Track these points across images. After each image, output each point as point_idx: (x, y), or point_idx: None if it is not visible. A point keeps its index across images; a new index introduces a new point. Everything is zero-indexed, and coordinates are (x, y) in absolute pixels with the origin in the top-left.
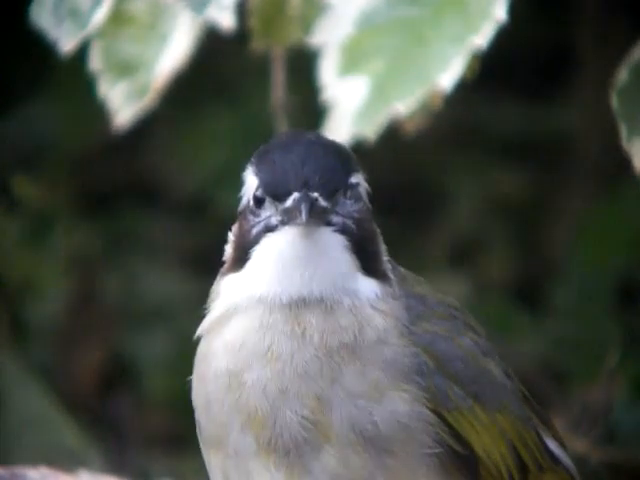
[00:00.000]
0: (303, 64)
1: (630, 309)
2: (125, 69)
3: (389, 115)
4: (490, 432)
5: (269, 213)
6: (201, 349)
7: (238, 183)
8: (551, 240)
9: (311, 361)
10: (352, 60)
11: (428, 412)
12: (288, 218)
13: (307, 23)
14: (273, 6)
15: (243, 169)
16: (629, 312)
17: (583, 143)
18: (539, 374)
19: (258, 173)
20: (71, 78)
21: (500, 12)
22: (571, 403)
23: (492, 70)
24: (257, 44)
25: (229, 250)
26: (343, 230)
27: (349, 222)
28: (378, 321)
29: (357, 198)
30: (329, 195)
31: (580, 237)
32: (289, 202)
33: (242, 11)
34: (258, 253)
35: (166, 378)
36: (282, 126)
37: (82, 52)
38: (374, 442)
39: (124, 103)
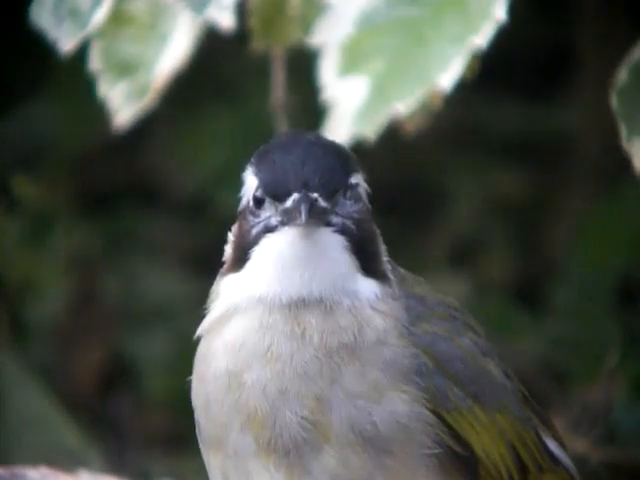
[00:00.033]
0: (303, 64)
1: (630, 309)
2: (125, 69)
3: (389, 115)
4: (490, 432)
5: (269, 213)
6: (201, 349)
7: (238, 183)
8: (551, 240)
9: (311, 361)
10: (352, 60)
11: (427, 412)
12: (288, 219)
13: (307, 23)
14: (273, 6)
15: (243, 169)
16: (629, 312)
17: (583, 143)
18: (539, 374)
19: (258, 173)
20: (71, 78)
21: (500, 12)
22: (571, 403)
23: (492, 70)
24: (257, 44)
25: (229, 250)
26: (343, 230)
27: (349, 222)
28: (378, 322)
29: (357, 198)
30: (329, 196)
31: (580, 237)
32: (289, 202)
33: (242, 11)
34: (258, 253)
35: (166, 378)
36: (282, 126)
37: (82, 52)
38: (373, 442)
39: (124, 103)
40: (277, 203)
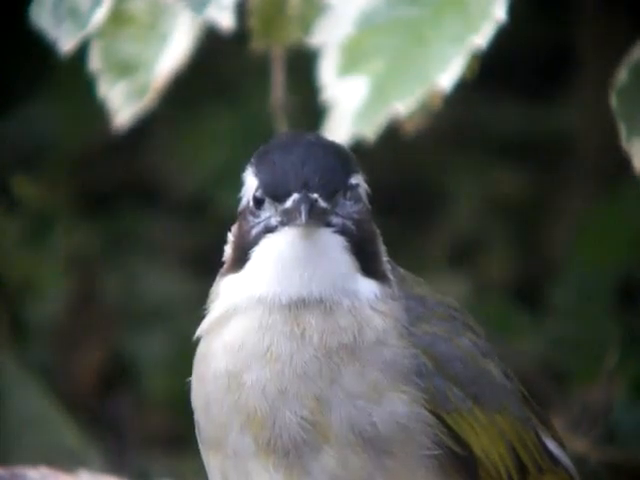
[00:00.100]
0: (303, 64)
1: (630, 309)
2: (125, 69)
3: (389, 115)
4: (489, 433)
5: (269, 214)
6: (200, 350)
7: (238, 183)
8: (551, 240)
9: (310, 362)
10: (352, 60)
11: (427, 413)
12: (288, 219)
13: (307, 23)
14: (273, 6)
15: (243, 169)
16: (629, 312)
17: (583, 143)
18: (539, 374)
19: (258, 174)
20: (71, 78)
21: (500, 12)
22: (571, 403)
23: (492, 70)
24: (257, 44)
25: (228, 251)
26: (343, 231)
27: (349, 223)
28: (377, 322)
29: (357, 199)
30: (329, 196)
31: (580, 237)
32: (289, 203)
33: (242, 11)
34: (258, 254)
35: (166, 378)
36: (282, 126)
37: (82, 52)
38: (373, 443)
39: (124, 103)
40: (277, 203)
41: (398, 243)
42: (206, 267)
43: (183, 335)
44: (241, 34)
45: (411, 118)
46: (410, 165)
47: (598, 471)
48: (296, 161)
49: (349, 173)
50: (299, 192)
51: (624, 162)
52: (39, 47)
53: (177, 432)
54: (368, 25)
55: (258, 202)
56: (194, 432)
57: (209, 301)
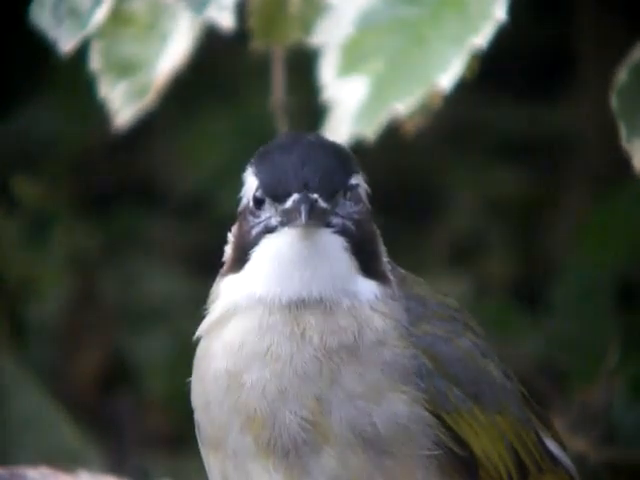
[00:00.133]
0: (303, 64)
1: (630, 309)
2: (125, 69)
3: (389, 115)
4: (489, 434)
5: (269, 214)
6: (200, 350)
7: (238, 183)
8: (551, 240)
9: (310, 362)
10: (352, 60)
11: (427, 414)
12: (288, 219)
13: (307, 23)
14: (273, 6)
15: (243, 169)
16: (629, 312)
17: (583, 143)
18: (539, 374)
19: (258, 174)
20: (71, 78)
21: (500, 12)
22: (571, 403)
23: (492, 70)
24: (257, 44)
25: (228, 251)
26: (343, 231)
27: (349, 223)
28: (377, 322)
29: (357, 199)
30: (329, 196)
31: (580, 237)
32: (289, 203)
33: (242, 11)
34: (258, 254)
35: (166, 378)
36: (282, 126)
37: (82, 52)
38: (373, 443)
39: (124, 103)
40: (277, 204)
41: (398, 243)
42: (206, 267)
43: (183, 335)
44: (241, 34)
45: (411, 118)
46: (410, 165)
47: (598, 471)
48: (296, 161)
49: (349, 173)
50: (299, 192)
51: (624, 162)
52: (39, 47)
53: (177, 432)
54: (368, 25)
55: (258, 202)
56: (194, 432)
57: (209, 301)
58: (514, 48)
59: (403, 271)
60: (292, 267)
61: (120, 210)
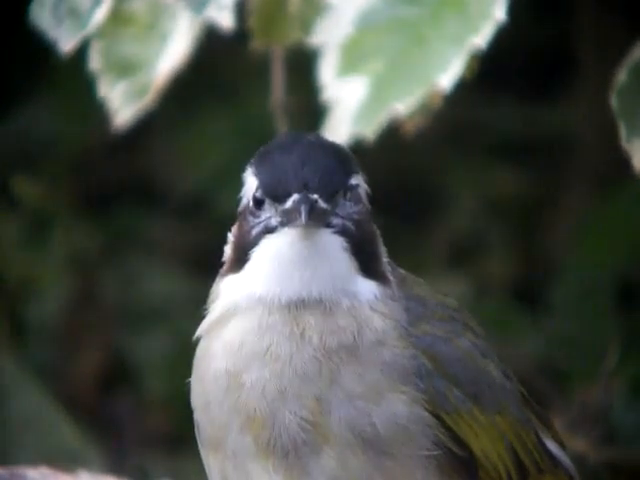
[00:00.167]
0: (303, 64)
1: (630, 309)
2: (125, 69)
3: (389, 115)
4: (489, 434)
5: (269, 214)
6: (200, 350)
7: (238, 183)
8: (551, 240)
9: (310, 362)
10: (351, 60)
11: (427, 414)
12: (288, 219)
13: (307, 23)
14: (273, 6)
15: (243, 169)
16: (629, 312)
17: (583, 143)
18: (539, 374)
19: (258, 174)
20: (71, 78)
21: (500, 12)
22: (571, 403)
23: (492, 70)
24: (257, 44)
25: (228, 251)
26: (342, 231)
27: (349, 224)
28: (377, 323)
29: (357, 200)
30: (329, 197)
31: (580, 237)
32: (289, 203)
33: (242, 11)
34: (257, 254)
35: (166, 378)
36: (282, 126)
37: (82, 52)
38: (373, 444)
39: (124, 103)
40: (277, 204)
41: (398, 243)
42: (206, 267)
43: (183, 335)
44: (241, 34)
45: (411, 118)
46: (410, 165)
47: (598, 471)
48: (296, 161)
49: (349, 174)
50: (299, 193)
51: (624, 162)
52: (39, 47)
53: (177, 432)
54: (368, 25)
55: (258, 202)
56: (194, 432)
57: (209, 301)
58: (514, 48)
59: (403, 271)
60: (292, 267)
61: (120, 210)
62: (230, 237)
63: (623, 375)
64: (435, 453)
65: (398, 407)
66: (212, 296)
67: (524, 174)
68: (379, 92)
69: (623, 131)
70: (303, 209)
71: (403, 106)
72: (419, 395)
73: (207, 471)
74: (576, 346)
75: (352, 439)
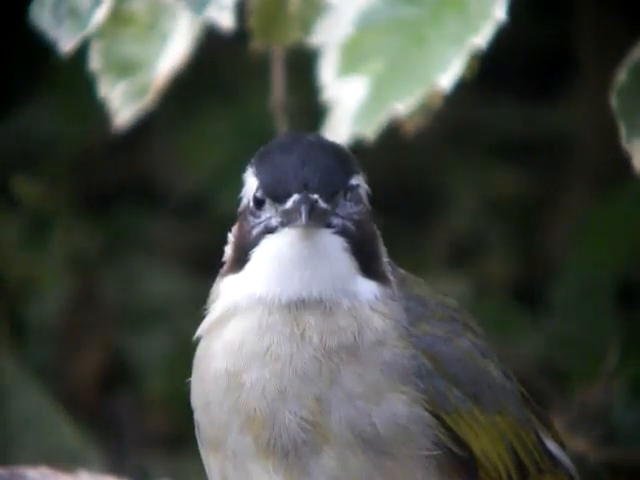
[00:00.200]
0: (303, 64)
1: (630, 309)
2: (125, 69)
3: (389, 115)
4: (489, 434)
5: (269, 214)
6: (200, 350)
7: (238, 183)
8: (551, 240)
9: (310, 362)
10: (351, 60)
11: (427, 414)
12: (288, 220)
13: (307, 23)
14: (273, 6)
15: (243, 169)
16: (629, 312)
17: (583, 143)
18: (539, 374)
19: (258, 174)
20: (71, 78)
21: (500, 12)
22: (571, 403)
23: (492, 70)
24: (257, 44)
25: (229, 251)
26: (343, 232)
27: (349, 224)
28: (377, 323)
29: (357, 200)
30: (329, 197)
31: (580, 237)
32: (289, 204)
33: (242, 11)
34: (258, 254)
35: (166, 378)
36: (282, 126)
37: (82, 52)
38: (373, 444)
39: (124, 103)
40: (277, 204)
41: (398, 243)
42: (206, 267)
43: (183, 335)
44: (241, 34)
45: (411, 118)
46: (410, 165)
47: (598, 471)
48: (296, 162)
49: (349, 174)
50: (299, 193)
51: (624, 162)
52: (39, 47)
53: (177, 432)
54: (368, 25)
55: (258, 203)
56: (194, 432)
57: (209, 301)
58: (514, 48)
59: (403, 271)
60: (292, 267)
61: (120, 210)
62: (230, 237)
63: (623, 375)
64: (435, 453)
65: (398, 407)
66: (212, 296)
67: (524, 174)
68: (379, 92)
69: (623, 131)
70: (303, 209)
71: (403, 106)
72: (419, 395)
73: (207, 471)
74: (576, 346)
75: (352, 439)
